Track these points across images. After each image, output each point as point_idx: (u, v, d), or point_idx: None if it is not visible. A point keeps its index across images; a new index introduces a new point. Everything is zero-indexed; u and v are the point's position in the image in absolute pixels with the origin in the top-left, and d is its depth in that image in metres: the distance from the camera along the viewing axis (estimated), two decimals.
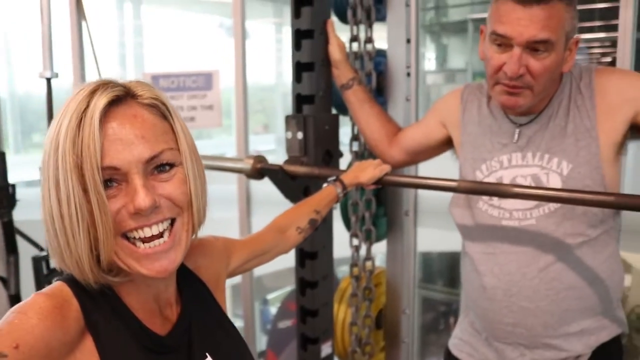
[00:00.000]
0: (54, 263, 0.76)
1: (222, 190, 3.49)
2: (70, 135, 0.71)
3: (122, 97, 0.75)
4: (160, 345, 0.82)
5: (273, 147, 7.00)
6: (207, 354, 0.88)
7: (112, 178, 0.73)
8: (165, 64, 6.75)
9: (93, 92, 0.73)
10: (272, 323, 6.04)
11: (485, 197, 1.39)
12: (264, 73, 7.39)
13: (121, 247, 0.75)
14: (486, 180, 1.40)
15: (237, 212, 3.30)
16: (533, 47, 1.22)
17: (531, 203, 1.33)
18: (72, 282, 0.77)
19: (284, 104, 7.47)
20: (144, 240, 0.75)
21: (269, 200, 3.07)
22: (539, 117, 1.35)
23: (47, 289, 0.76)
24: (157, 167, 0.76)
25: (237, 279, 3.41)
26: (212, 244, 1.03)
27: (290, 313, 5.41)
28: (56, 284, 0.77)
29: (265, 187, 2.69)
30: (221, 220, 3.58)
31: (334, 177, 1.46)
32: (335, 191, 1.42)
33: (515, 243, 1.34)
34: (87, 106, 0.72)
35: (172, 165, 0.78)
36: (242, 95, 3.18)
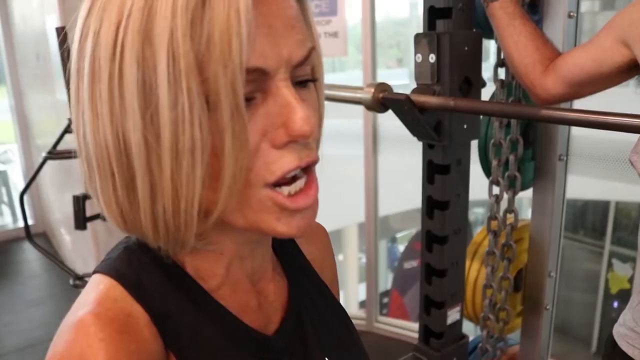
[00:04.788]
0: (113, 222, 0.50)
1: (347, 125, 3.27)
2: (187, 16, 0.42)
3: None
4: (267, 348, 0.57)
5: (406, 82, 6.68)
6: (326, 358, 0.63)
7: (252, 89, 0.46)
8: None
9: None
10: (398, 262, 5.95)
11: None
12: (397, 6, 7.01)
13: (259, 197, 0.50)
14: None
15: (363, 149, 3.09)
16: None
17: None
18: (121, 275, 0.51)
19: None
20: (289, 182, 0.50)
21: (399, 137, 2.82)
22: None
23: (92, 300, 0.48)
24: (297, 78, 0.50)
25: (362, 217, 3.26)
26: (324, 234, 0.76)
27: (416, 253, 5.29)
28: (102, 287, 0.50)
29: (395, 122, 2.47)
30: (344, 158, 3.42)
31: None
32: None
33: None
34: None
35: (313, 77, 0.52)
36: (370, 24, 2.91)
